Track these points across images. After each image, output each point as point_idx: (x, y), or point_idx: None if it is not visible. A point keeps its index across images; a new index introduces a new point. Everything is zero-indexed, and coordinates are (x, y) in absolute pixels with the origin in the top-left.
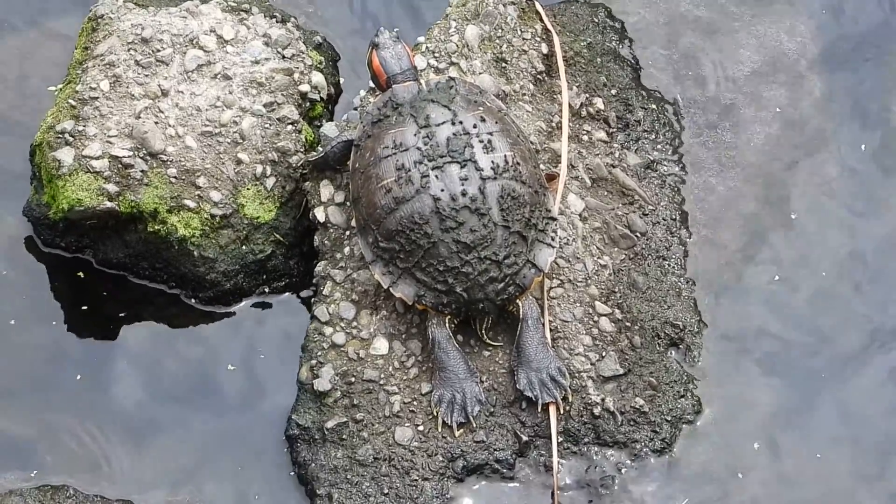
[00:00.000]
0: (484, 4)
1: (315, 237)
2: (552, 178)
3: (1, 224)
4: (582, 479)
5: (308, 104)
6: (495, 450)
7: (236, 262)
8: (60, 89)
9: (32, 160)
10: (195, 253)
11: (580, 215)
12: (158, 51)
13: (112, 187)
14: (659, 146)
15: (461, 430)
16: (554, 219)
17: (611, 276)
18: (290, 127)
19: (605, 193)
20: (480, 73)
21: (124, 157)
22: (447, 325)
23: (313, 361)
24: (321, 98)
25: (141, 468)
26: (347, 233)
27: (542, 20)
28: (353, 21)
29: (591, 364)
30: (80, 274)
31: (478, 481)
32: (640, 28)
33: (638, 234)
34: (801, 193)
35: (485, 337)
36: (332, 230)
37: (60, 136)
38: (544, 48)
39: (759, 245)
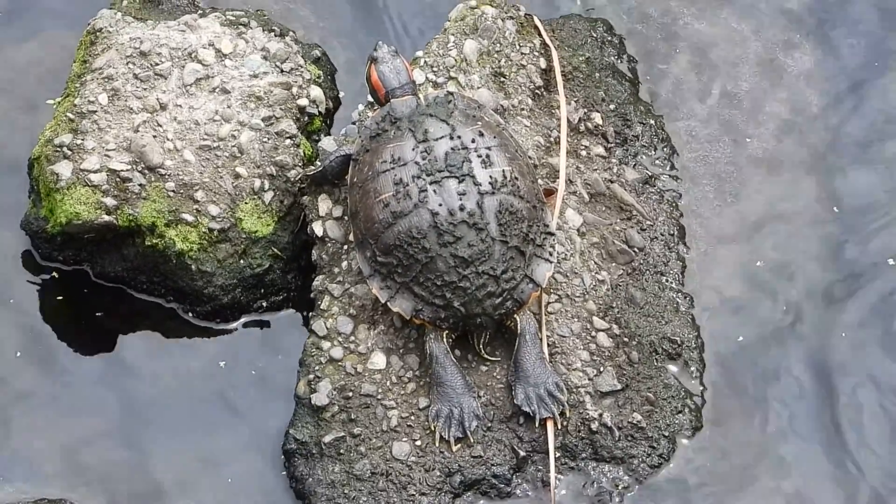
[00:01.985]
0: (482, 19)
1: (313, 251)
2: (550, 193)
3: None
4: (579, 494)
5: (306, 118)
6: (493, 465)
7: (234, 276)
8: (59, 102)
9: (30, 173)
10: (193, 267)
11: (578, 230)
12: (157, 64)
13: (110, 201)
14: (657, 161)
15: (458, 445)
16: (552, 234)
17: (609, 291)
18: (288, 141)
19: (604, 208)
20: (479, 88)
21: (122, 170)
22: (445, 339)
23: (311, 376)
24: (319, 112)
25: (138, 482)
26: (345, 247)
27: (540, 35)
28: (352, 35)
29: (589, 379)
30: (55, 274)
31: (475, 497)
32: (639, 43)
33: (636, 250)
34: (799, 208)
35: (482, 352)
36: (329, 244)
37: (59, 149)
38: (543, 63)
39: (758, 260)
